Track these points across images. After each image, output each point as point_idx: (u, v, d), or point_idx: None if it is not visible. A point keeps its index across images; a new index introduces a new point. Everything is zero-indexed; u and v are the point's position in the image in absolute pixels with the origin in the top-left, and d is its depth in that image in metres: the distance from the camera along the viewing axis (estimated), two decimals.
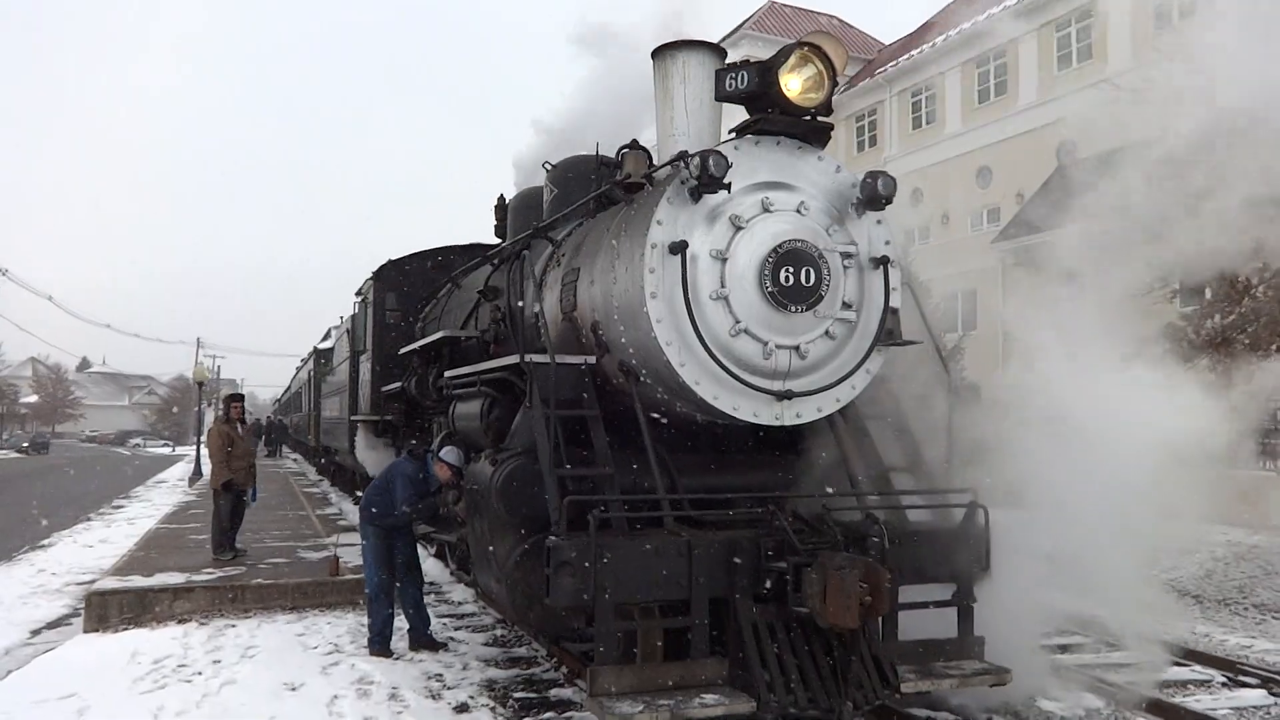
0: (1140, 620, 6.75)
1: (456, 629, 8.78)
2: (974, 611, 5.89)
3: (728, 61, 6.30)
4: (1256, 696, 6.91)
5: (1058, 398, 6.36)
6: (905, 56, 32.34)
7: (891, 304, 6.16)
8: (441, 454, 7.38)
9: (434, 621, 8.36)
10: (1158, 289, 11.27)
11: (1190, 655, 7.90)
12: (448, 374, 8.24)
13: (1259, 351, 11.59)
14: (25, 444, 62.18)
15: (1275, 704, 6.78)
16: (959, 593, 5.88)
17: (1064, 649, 7.88)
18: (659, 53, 6.57)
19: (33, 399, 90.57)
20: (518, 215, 9.76)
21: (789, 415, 5.95)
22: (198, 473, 28.22)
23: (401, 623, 8.05)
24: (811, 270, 5.71)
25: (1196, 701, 6.71)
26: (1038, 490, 6.16)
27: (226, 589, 9.60)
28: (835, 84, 5.93)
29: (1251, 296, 11.43)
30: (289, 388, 45.77)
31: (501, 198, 10.82)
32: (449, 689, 6.93)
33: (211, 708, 6.50)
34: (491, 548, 6.00)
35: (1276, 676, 7.23)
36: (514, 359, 6.33)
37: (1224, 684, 7.24)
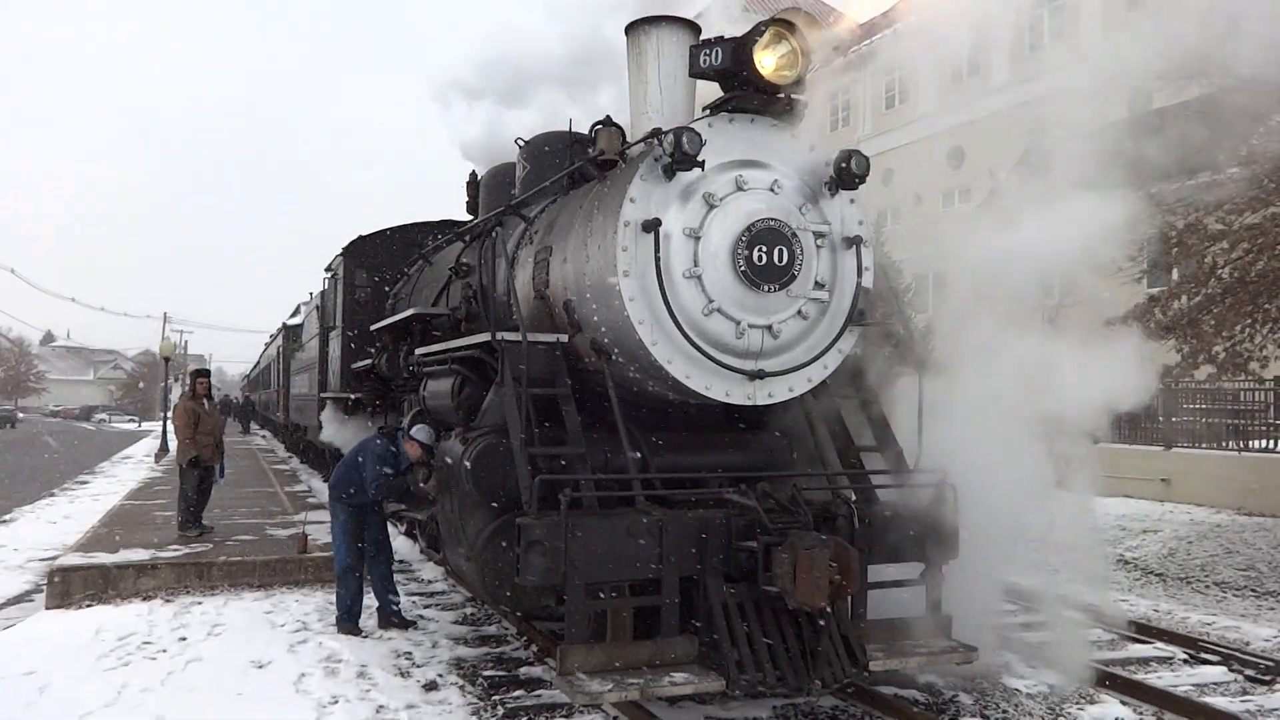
0: (1103, 597, 6.84)
1: (426, 607, 8.75)
2: (942, 590, 5.93)
3: (702, 38, 6.24)
4: (1217, 673, 7.03)
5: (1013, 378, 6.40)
6: (879, 35, 32.29)
7: (864, 284, 6.17)
8: (412, 432, 7.33)
9: (403, 599, 8.33)
10: (1127, 268, 11.37)
11: (1152, 632, 8.02)
12: (419, 352, 8.17)
13: (1224, 333, 11.71)
14: None
15: (1235, 680, 6.90)
16: (927, 572, 5.92)
17: (1029, 627, 7.97)
18: (632, 28, 6.50)
19: None
20: (490, 192, 9.66)
21: (761, 395, 5.95)
22: (164, 449, 27.93)
23: (370, 601, 8.01)
24: (784, 249, 5.70)
25: (1159, 678, 6.81)
26: (998, 469, 6.20)
27: (193, 566, 9.51)
28: (810, 61, 5.90)
29: (1218, 279, 11.54)
30: (258, 364, 45.37)
31: (473, 174, 10.71)
32: (418, 667, 6.90)
33: (176, 685, 6.44)
34: (462, 526, 5.98)
35: (1237, 654, 7.35)
36: (485, 337, 6.28)
37: (1185, 661, 7.35)
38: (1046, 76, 22.43)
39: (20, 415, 70.82)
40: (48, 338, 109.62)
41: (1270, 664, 7.04)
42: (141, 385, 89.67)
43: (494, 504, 5.70)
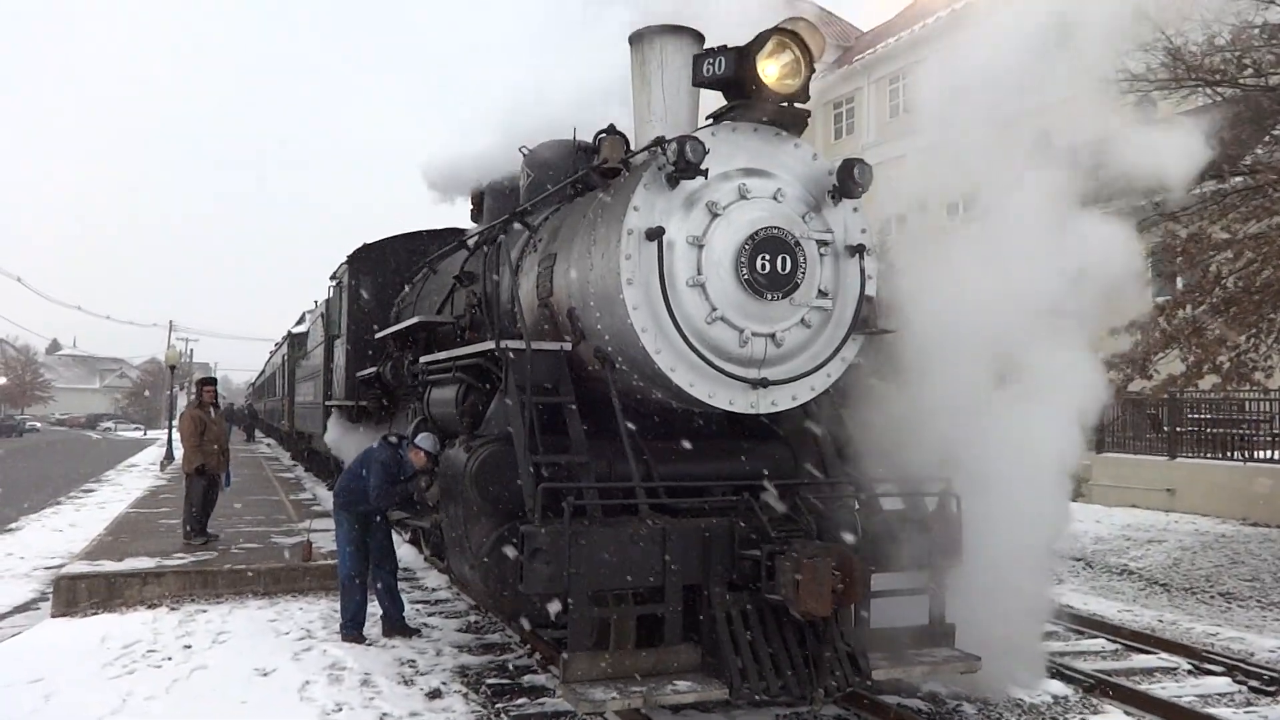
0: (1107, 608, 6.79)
1: (430, 615, 8.76)
2: (945, 599, 5.93)
3: (705, 47, 6.27)
4: (1221, 684, 7.00)
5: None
6: (883, 44, 32.36)
7: (867, 292, 6.18)
8: (417, 440, 7.34)
9: (407, 608, 8.33)
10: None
11: (1157, 642, 8.00)
12: (423, 360, 8.19)
13: (1228, 343, 11.71)
14: None
15: (1239, 691, 6.88)
16: (931, 580, 5.92)
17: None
18: (636, 37, 6.52)
19: (1, 381, 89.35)
20: (494, 200, 9.70)
21: (764, 403, 5.95)
22: (169, 457, 27.98)
23: (374, 609, 8.02)
24: (788, 258, 5.71)
25: (1163, 689, 6.78)
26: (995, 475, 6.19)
27: (198, 574, 9.53)
28: (813, 70, 5.92)
29: (1222, 287, 11.53)
30: (263, 372, 45.46)
31: (478, 182, 10.74)
32: (421, 675, 6.91)
33: (181, 693, 6.45)
34: (466, 534, 5.98)
35: (1241, 664, 7.33)
36: (489, 345, 6.30)
37: (1190, 671, 7.33)
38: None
39: (36, 425, 71.34)
40: (54, 346, 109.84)
41: (1275, 675, 7.02)
42: (147, 394, 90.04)
43: (497, 512, 5.71)
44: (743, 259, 5.63)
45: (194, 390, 12.09)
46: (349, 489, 7.81)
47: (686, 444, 6.46)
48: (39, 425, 73.52)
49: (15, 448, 47.03)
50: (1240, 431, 15.73)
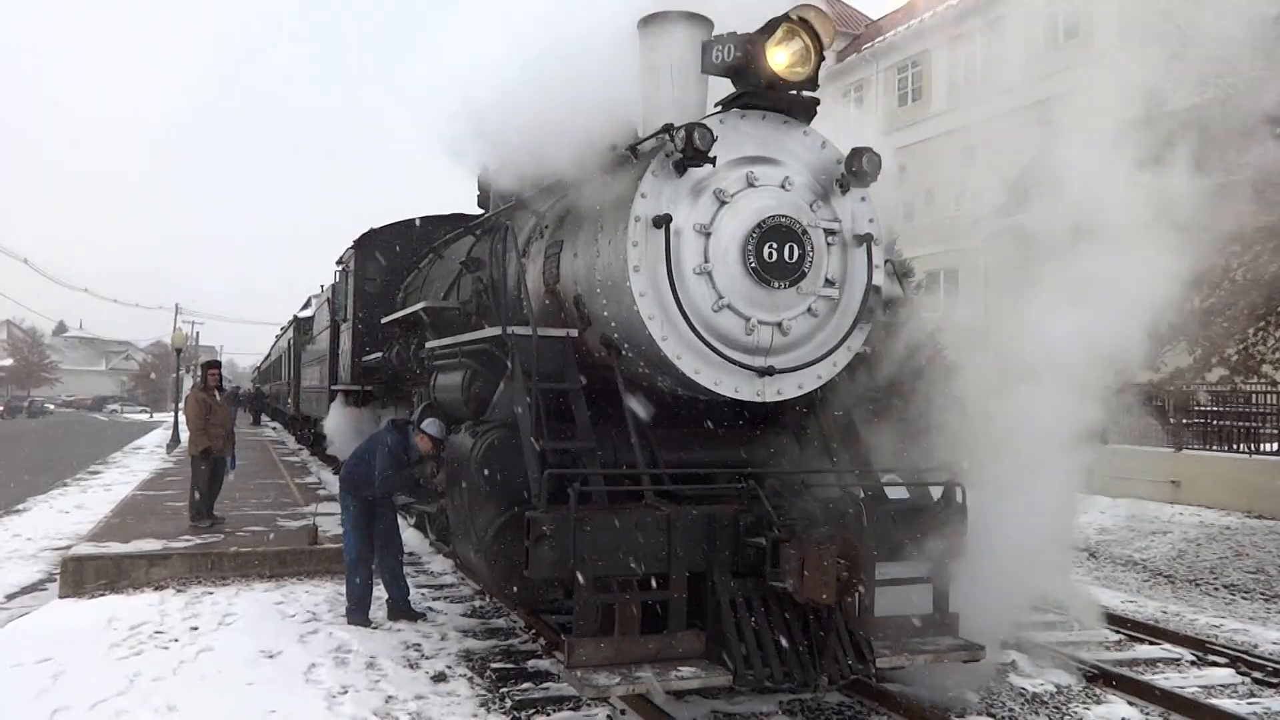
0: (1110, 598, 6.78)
1: (435, 599, 8.79)
2: (949, 588, 5.94)
3: (714, 34, 6.24)
4: (1224, 675, 7.01)
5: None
6: (893, 31, 32.18)
7: (874, 281, 6.17)
8: (423, 425, 7.35)
9: (412, 592, 8.36)
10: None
11: (1160, 633, 8.01)
12: (429, 345, 8.20)
13: (1236, 335, 11.67)
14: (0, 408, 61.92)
15: (1243, 683, 6.89)
16: (935, 569, 5.92)
17: (1036, 626, 7.97)
18: (645, 23, 6.49)
19: (7, 362, 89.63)
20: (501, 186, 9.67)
21: (770, 391, 5.96)
22: (175, 440, 28.04)
23: (380, 592, 8.05)
24: (795, 246, 5.70)
25: (1165, 679, 6.79)
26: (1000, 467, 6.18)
27: (204, 556, 9.57)
28: (822, 58, 5.89)
29: (1231, 280, 11.49)
30: (269, 355, 45.57)
31: (485, 167, 10.71)
32: (427, 659, 6.94)
33: (188, 674, 6.49)
34: (471, 519, 6.00)
35: (1245, 656, 7.33)
36: (496, 331, 6.30)
37: (1193, 662, 7.34)
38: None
39: (50, 407, 71.89)
40: (60, 328, 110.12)
41: (1278, 667, 7.02)
42: (153, 376, 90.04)
43: (503, 497, 5.72)
44: (750, 247, 5.62)
45: (199, 373, 12.11)
46: (355, 473, 7.82)
47: (692, 432, 6.47)
48: (51, 407, 74.09)
49: (30, 428, 47.51)
50: (1246, 424, 15.70)
